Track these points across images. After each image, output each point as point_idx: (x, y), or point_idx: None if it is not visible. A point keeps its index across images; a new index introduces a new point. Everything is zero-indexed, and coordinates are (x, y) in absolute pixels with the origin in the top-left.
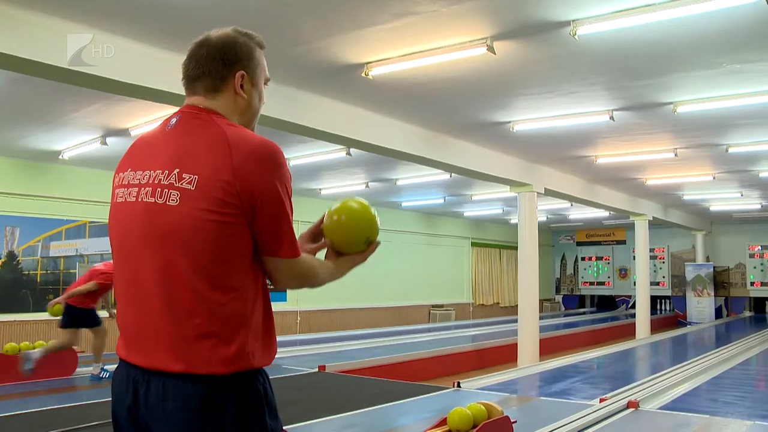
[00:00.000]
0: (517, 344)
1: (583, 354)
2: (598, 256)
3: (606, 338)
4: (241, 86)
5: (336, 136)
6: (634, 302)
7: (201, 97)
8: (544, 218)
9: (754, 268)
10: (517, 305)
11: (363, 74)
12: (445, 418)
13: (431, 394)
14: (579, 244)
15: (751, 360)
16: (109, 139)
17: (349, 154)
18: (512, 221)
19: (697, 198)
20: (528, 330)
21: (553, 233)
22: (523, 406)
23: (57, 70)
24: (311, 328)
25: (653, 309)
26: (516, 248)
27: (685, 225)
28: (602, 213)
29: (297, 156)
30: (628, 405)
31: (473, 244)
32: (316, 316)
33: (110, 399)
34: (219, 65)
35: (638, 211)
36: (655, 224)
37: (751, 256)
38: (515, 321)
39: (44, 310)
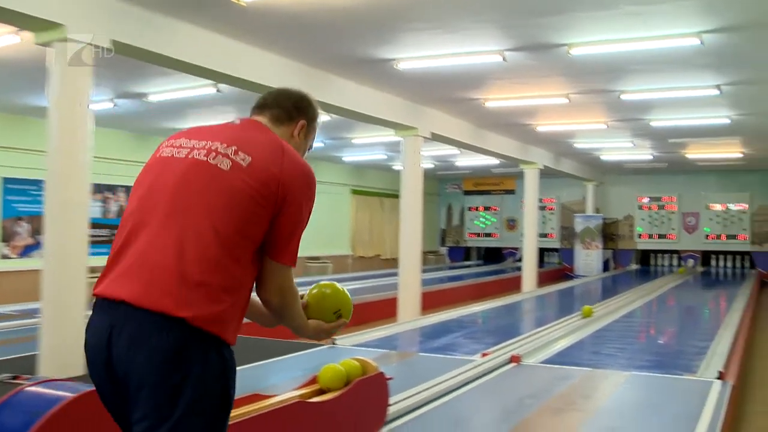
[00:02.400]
0: (397, 299)
1: (467, 308)
2: (485, 206)
3: (492, 292)
4: (298, 133)
5: (203, 69)
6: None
7: (266, 119)
8: (431, 165)
9: (642, 220)
10: (398, 258)
11: (235, 0)
12: (316, 376)
13: (304, 351)
14: (466, 193)
15: (635, 312)
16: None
17: (218, 90)
18: (396, 167)
19: (589, 147)
20: (409, 283)
21: (439, 181)
22: (402, 363)
23: None
24: None
25: (541, 262)
26: (399, 197)
27: (576, 175)
28: (492, 161)
29: (158, 91)
30: (511, 359)
31: (353, 192)
32: None
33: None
34: (292, 107)
35: (529, 159)
36: (546, 174)
37: (640, 207)
38: (396, 274)
39: None
